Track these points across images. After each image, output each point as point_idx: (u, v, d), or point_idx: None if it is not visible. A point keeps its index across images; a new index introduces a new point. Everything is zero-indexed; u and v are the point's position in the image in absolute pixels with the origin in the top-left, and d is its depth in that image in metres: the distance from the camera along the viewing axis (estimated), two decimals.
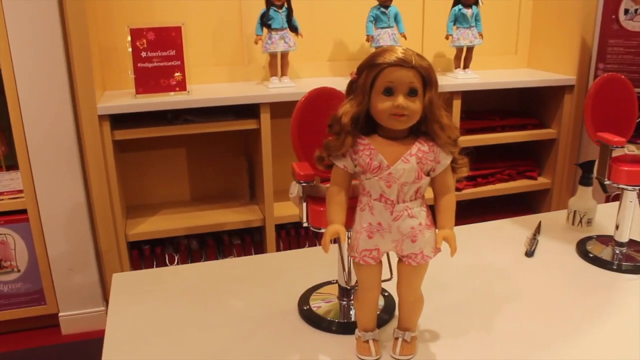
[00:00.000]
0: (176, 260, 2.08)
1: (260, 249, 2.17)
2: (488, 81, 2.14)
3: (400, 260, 0.77)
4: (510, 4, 2.40)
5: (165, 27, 1.86)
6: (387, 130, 0.73)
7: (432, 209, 0.77)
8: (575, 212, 1.22)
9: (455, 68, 2.22)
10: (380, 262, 0.77)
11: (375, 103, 0.71)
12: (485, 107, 2.40)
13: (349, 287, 0.89)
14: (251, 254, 2.17)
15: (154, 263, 2.07)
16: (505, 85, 2.15)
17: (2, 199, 1.83)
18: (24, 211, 1.82)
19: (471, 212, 2.35)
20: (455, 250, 0.74)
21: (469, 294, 0.97)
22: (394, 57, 0.69)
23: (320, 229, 0.82)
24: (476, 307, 0.93)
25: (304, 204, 0.83)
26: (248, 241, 2.17)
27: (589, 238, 1.17)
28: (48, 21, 1.68)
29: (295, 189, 0.84)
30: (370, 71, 0.70)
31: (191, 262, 2.11)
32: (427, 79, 0.70)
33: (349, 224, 0.76)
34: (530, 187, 2.34)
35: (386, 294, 0.93)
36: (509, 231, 1.23)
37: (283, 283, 1.00)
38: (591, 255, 1.10)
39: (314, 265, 1.03)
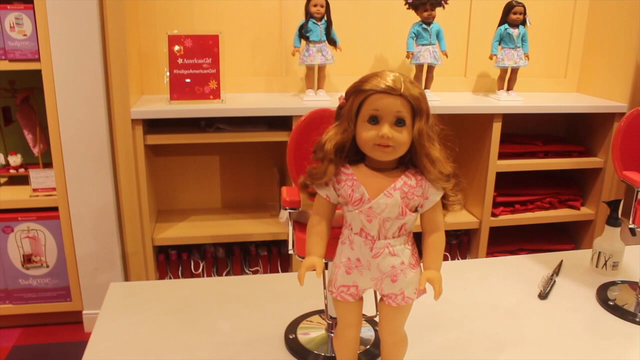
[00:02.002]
0: (201, 267, 2.09)
1: (287, 262, 2.15)
2: (532, 104, 2.05)
3: (381, 299, 0.72)
4: (561, 26, 2.30)
5: (203, 35, 1.88)
6: (374, 161, 0.69)
7: None
8: (600, 253, 1.14)
9: (499, 89, 2.14)
10: (361, 298, 0.73)
11: (360, 131, 0.67)
12: (528, 131, 2.31)
13: (329, 321, 0.85)
14: (277, 266, 2.15)
15: (180, 268, 2.09)
16: (548, 110, 2.06)
17: (37, 196, 1.88)
18: (56, 209, 1.87)
19: (507, 240, 2.26)
20: (440, 294, 0.69)
21: (468, 335, 0.91)
22: (382, 83, 0.65)
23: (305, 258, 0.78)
24: (473, 351, 0.87)
25: (291, 230, 0.80)
26: (275, 253, 2.16)
27: (613, 283, 1.09)
28: (88, 26, 1.72)
29: (284, 213, 0.81)
30: (356, 97, 0.67)
31: (216, 270, 2.11)
32: (417, 108, 0.66)
33: (330, 255, 0.73)
34: (572, 217, 2.23)
35: (377, 328, 0.89)
36: (526, 268, 1.15)
37: (275, 307, 0.97)
38: (611, 303, 1.02)
39: (310, 290, 1.00)
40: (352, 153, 0.70)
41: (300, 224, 0.81)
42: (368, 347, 0.86)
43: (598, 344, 0.91)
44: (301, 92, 2.10)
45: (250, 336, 0.89)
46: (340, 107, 0.70)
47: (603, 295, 1.04)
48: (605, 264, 1.13)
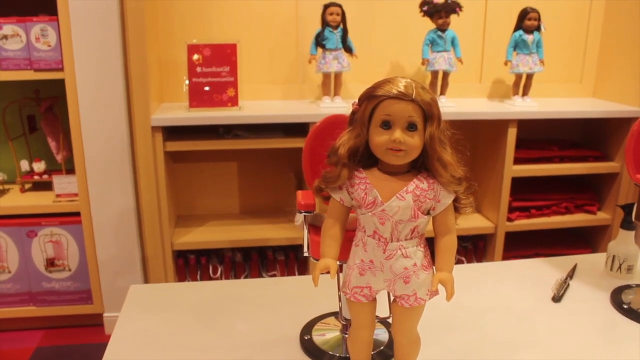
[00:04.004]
0: (219, 271, 2.12)
1: (304, 266, 2.17)
2: (547, 110, 2.05)
3: (394, 300, 0.74)
4: (577, 31, 2.30)
5: (221, 44, 1.92)
6: (386, 165, 0.70)
7: None
8: (614, 257, 1.14)
9: (514, 95, 2.15)
10: (374, 299, 0.75)
11: (372, 136, 0.69)
12: (544, 137, 2.31)
13: (344, 322, 0.87)
14: (294, 271, 2.18)
15: (198, 273, 2.12)
16: (563, 115, 2.06)
17: (60, 201, 1.93)
18: (78, 214, 1.91)
19: (522, 245, 2.26)
20: (452, 296, 0.70)
21: (481, 337, 0.93)
22: (394, 89, 0.67)
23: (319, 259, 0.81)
24: (486, 353, 0.89)
25: (306, 233, 0.82)
26: (292, 258, 2.18)
27: (627, 287, 1.09)
28: (109, 36, 1.76)
29: (299, 217, 0.83)
30: (369, 102, 0.69)
31: (234, 275, 2.14)
32: (428, 113, 0.68)
33: (344, 257, 0.75)
34: (588, 222, 2.22)
35: (390, 329, 0.90)
36: (539, 272, 1.16)
37: (291, 309, 0.99)
38: (626, 307, 1.02)
39: (325, 292, 1.01)
40: (365, 157, 0.72)
41: (315, 227, 0.83)
42: (382, 348, 0.88)
43: (612, 348, 0.92)
44: (318, 99, 2.13)
45: (267, 337, 0.91)
46: (353, 113, 0.72)
47: (617, 299, 1.05)
48: (619, 267, 1.13)
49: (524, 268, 1.18)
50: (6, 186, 2.06)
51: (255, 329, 0.93)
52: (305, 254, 0.83)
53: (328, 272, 0.72)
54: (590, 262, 1.20)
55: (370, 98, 0.68)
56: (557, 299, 1.05)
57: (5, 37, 1.77)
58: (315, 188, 0.75)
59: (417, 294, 0.72)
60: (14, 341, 1.98)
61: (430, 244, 0.74)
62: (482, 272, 1.02)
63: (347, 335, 0.89)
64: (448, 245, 0.72)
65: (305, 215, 0.81)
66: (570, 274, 1.14)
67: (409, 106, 0.67)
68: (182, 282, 1.75)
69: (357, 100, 0.72)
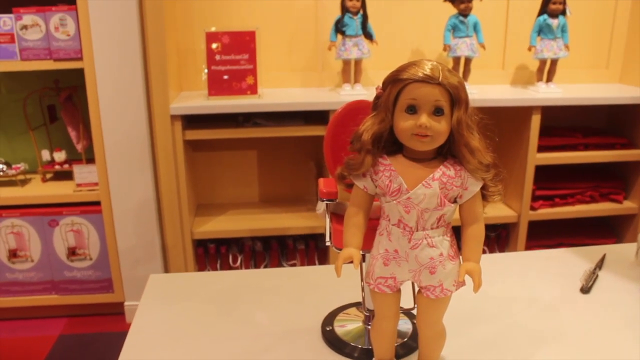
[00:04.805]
0: (239, 260, 2.12)
1: (324, 255, 2.16)
2: (571, 96, 2.01)
3: (419, 291, 0.72)
4: (603, 15, 2.24)
5: (240, 32, 1.90)
6: (412, 151, 0.68)
7: None
8: None
9: (538, 81, 2.10)
10: (399, 290, 0.73)
11: (397, 121, 0.66)
12: (568, 123, 2.26)
13: (366, 313, 0.85)
14: (314, 260, 2.17)
15: (218, 262, 2.12)
16: (589, 102, 2.01)
17: (80, 190, 1.94)
18: (98, 203, 1.92)
19: (546, 234, 2.22)
20: (479, 286, 0.68)
21: (507, 329, 0.90)
22: (420, 72, 0.64)
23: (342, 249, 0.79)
24: (512, 345, 0.86)
25: (328, 222, 0.80)
26: (312, 247, 2.17)
27: None
28: (128, 25, 1.75)
29: (321, 205, 0.81)
30: (394, 86, 0.66)
31: (254, 264, 2.14)
32: (456, 97, 0.65)
33: (367, 246, 0.73)
34: (614, 211, 2.17)
35: (414, 320, 0.88)
36: (567, 262, 1.13)
37: (312, 299, 0.98)
38: None
39: (348, 282, 1.00)
40: (389, 143, 0.70)
41: (337, 216, 0.81)
42: (406, 339, 0.86)
43: None
44: (338, 87, 2.11)
45: (287, 327, 0.90)
46: (377, 97, 0.70)
47: None
48: None
49: (550, 258, 1.15)
50: (28, 176, 2.07)
51: (275, 319, 0.92)
52: (327, 244, 0.81)
53: (351, 262, 0.70)
54: (619, 252, 1.17)
55: (395, 82, 0.66)
56: (585, 290, 1.02)
57: (25, 27, 1.77)
58: (337, 175, 0.73)
59: (443, 285, 0.69)
60: (37, 329, 2.00)
61: (457, 233, 0.71)
62: (507, 262, 0.99)
63: (369, 327, 0.87)
64: (475, 235, 0.70)
65: (327, 204, 0.79)
66: (599, 265, 1.11)
67: (436, 90, 0.64)
68: (201, 272, 1.75)
69: (381, 85, 0.69)
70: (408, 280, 0.71)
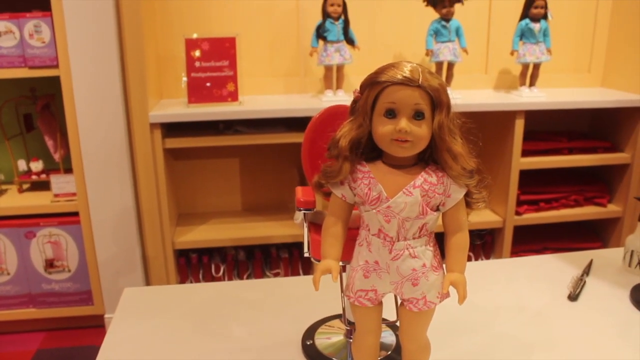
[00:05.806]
0: (222, 270, 2.08)
1: (308, 264, 2.13)
2: (554, 100, 2.00)
3: (402, 304, 0.69)
4: (584, 19, 2.24)
5: (220, 38, 1.87)
6: (391, 157, 0.65)
7: None
8: (632, 252, 1.09)
9: (521, 85, 2.09)
10: (380, 303, 0.70)
11: (376, 126, 0.64)
12: (552, 128, 2.25)
13: (347, 327, 0.82)
14: (298, 269, 2.13)
15: (200, 272, 2.08)
16: (572, 106, 2.00)
17: (58, 201, 1.89)
18: (76, 214, 1.87)
19: (531, 239, 2.21)
20: (465, 298, 0.65)
21: (494, 339, 0.88)
22: (399, 74, 0.61)
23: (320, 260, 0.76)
24: (500, 356, 0.84)
25: (306, 232, 0.77)
26: (296, 255, 2.14)
27: None
28: (105, 31, 1.72)
29: (299, 215, 0.78)
30: (371, 90, 0.63)
31: (237, 273, 2.10)
32: (437, 100, 0.62)
33: (347, 257, 0.70)
34: (598, 215, 2.17)
35: (398, 333, 0.86)
36: (553, 269, 1.11)
37: (293, 311, 0.94)
38: None
39: (330, 294, 0.97)
40: (368, 149, 0.67)
41: (315, 226, 0.78)
42: (389, 352, 0.83)
43: (632, 347, 0.87)
44: (320, 93, 2.08)
45: (267, 342, 0.86)
46: (355, 101, 0.67)
47: (637, 296, 0.99)
48: (638, 263, 1.08)
49: (537, 264, 1.13)
50: (4, 186, 2.02)
51: (254, 333, 0.89)
52: (306, 255, 0.78)
53: (330, 274, 0.67)
54: (606, 257, 1.15)
55: (373, 84, 0.63)
56: (573, 297, 1.00)
57: None
58: (315, 184, 0.70)
59: (426, 297, 0.67)
60: (14, 344, 1.95)
61: (440, 241, 0.69)
62: (492, 269, 0.97)
63: (351, 340, 0.84)
64: (459, 244, 0.67)
65: (305, 213, 0.77)
66: (586, 271, 1.09)
67: (416, 92, 0.61)
68: (179, 285, 1.72)
69: (358, 88, 0.67)
70: (390, 293, 0.68)
